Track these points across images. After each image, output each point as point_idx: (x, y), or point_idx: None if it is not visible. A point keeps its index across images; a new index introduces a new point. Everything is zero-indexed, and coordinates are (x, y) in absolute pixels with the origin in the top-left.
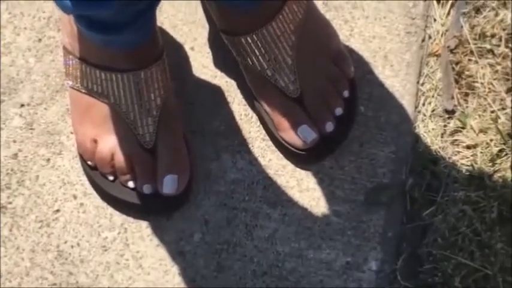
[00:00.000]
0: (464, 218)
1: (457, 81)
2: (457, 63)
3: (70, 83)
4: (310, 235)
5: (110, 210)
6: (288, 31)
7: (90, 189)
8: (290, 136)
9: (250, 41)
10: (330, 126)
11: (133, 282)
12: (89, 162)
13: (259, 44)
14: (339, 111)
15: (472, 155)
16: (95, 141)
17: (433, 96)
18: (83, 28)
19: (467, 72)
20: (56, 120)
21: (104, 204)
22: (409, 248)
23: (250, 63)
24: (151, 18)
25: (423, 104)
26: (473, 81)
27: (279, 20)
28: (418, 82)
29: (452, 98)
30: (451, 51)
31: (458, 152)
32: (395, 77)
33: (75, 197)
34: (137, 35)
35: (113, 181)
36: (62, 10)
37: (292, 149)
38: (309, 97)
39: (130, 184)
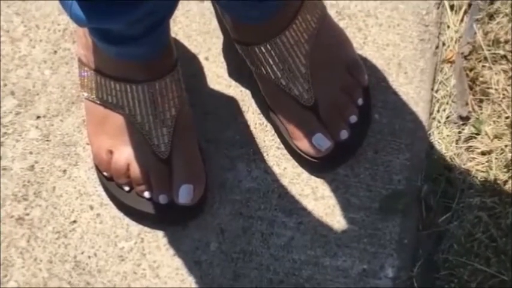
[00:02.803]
0: (480, 224)
1: (471, 88)
2: (471, 70)
3: (85, 94)
4: (326, 243)
5: (127, 220)
6: (301, 40)
7: (106, 200)
8: (305, 144)
9: (264, 50)
10: (344, 134)
11: None
12: (105, 173)
13: (273, 53)
14: (353, 119)
15: (487, 161)
16: (111, 152)
17: (447, 103)
18: (97, 40)
19: (481, 79)
20: (71, 132)
21: (121, 215)
22: (425, 255)
23: (265, 72)
24: (165, 30)
25: (438, 111)
26: (488, 88)
27: (292, 29)
28: (432, 89)
29: (467, 104)
30: (465, 57)
31: (473, 158)
32: (409, 84)
33: (91, 207)
34: (151, 46)
35: (129, 192)
36: (76, 23)
37: (307, 157)
38: (323, 105)
39: (146, 194)
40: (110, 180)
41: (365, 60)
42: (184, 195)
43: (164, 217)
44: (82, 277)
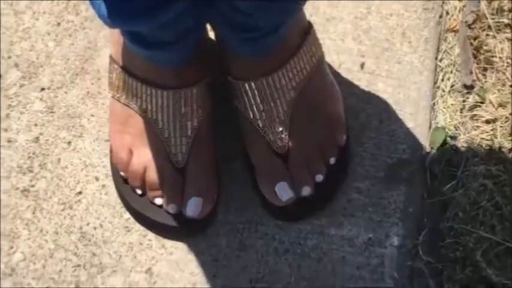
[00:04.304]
0: (484, 192)
1: (475, 56)
2: (475, 39)
3: (112, 92)
4: (331, 212)
5: None
6: (288, 86)
7: (111, 171)
8: (268, 190)
9: (247, 87)
10: (306, 190)
11: (156, 262)
12: (122, 173)
13: (256, 93)
14: (319, 177)
15: (491, 130)
16: (131, 152)
17: (451, 72)
18: (128, 41)
19: (485, 47)
20: (76, 103)
21: None
22: (430, 223)
23: (243, 109)
24: (197, 39)
25: (442, 80)
26: (492, 56)
27: (281, 73)
28: (436, 58)
29: (471, 73)
30: (469, 26)
31: (478, 126)
32: (413, 53)
33: (97, 178)
34: (181, 53)
35: (141, 196)
36: (105, 23)
37: (270, 203)
38: (294, 156)
39: (158, 201)
40: (125, 183)
41: (369, 29)
42: (193, 208)
43: (172, 227)
44: (88, 248)
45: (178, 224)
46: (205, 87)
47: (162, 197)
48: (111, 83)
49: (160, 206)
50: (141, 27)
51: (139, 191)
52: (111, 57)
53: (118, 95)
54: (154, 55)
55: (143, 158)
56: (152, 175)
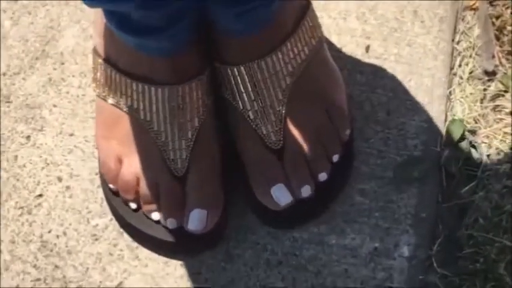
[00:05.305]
0: (508, 194)
1: (498, 38)
2: (497, 17)
3: (97, 90)
4: (331, 218)
5: (100, 194)
6: (283, 72)
7: (76, 171)
8: (262, 192)
9: (236, 73)
10: (306, 191)
11: (128, 275)
12: (111, 186)
13: (247, 79)
14: (322, 176)
15: None
16: (120, 161)
17: (470, 56)
18: (113, 27)
19: (509, 27)
20: (36, 92)
21: (93, 187)
22: (446, 231)
23: (232, 98)
24: (191, 26)
25: (459, 65)
26: None
27: (275, 56)
28: (453, 40)
29: (493, 57)
30: (491, 3)
31: (501, 119)
32: (426, 34)
33: (60, 179)
34: (174, 42)
35: (136, 210)
36: (85, 2)
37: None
38: (290, 153)
39: (154, 216)
40: (116, 195)
41: (375, 7)
42: (195, 221)
43: (173, 244)
44: (49, 259)
45: (181, 241)
46: (206, 81)
47: (159, 210)
48: (95, 79)
49: (158, 222)
50: (122, 6)
51: (133, 205)
52: (94, 50)
53: (104, 94)
54: (144, 43)
55: (135, 167)
56: (146, 186)
